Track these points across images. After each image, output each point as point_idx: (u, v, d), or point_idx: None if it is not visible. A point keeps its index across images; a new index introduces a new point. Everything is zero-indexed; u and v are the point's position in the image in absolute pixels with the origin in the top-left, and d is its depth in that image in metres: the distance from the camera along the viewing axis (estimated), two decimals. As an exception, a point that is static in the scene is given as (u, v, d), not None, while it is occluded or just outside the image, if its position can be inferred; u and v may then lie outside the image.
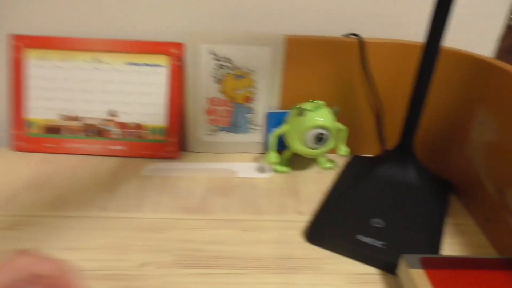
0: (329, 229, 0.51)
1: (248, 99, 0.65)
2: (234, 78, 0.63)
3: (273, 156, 0.61)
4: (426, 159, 0.65)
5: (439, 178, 0.62)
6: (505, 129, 0.50)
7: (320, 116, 0.58)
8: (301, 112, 0.58)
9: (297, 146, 0.60)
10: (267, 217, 0.55)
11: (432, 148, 0.68)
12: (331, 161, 0.67)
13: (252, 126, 0.67)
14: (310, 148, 0.59)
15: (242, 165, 0.66)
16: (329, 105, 0.61)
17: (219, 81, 0.63)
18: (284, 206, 0.57)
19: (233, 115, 0.65)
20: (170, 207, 0.56)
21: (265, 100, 0.65)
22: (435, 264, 0.43)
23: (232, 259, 0.47)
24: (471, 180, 0.57)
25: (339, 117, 0.66)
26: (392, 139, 0.69)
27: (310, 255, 0.49)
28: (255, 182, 0.62)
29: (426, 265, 0.43)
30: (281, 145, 0.66)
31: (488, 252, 0.50)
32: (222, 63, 0.62)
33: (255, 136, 0.68)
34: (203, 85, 0.64)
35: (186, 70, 0.63)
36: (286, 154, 0.65)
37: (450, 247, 0.51)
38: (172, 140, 0.66)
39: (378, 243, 0.48)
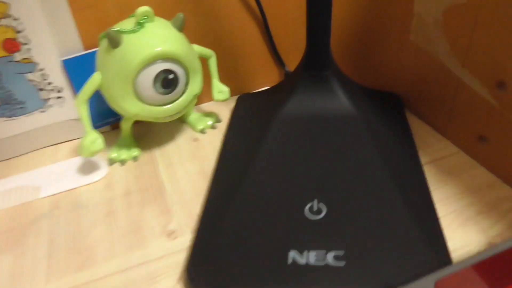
0: (233, 255, 0.24)
1: (11, 44, 0.32)
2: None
3: (91, 138, 0.31)
4: (351, 73, 0.41)
5: (384, 93, 0.39)
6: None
7: (153, 37, 0.29)
8: (116, 40, 0.29)
9: (130, 106, 0.30)
10: (104, 269, 0.27)
11: (356, 53, 0.44)
12: (208, 115, 0.40)
13: (48, 94, 0.35)
14: (155, 103, 0.31)
15: (50, 170, 0.35)
16: (166, 15, 0.33)
17: None
18: (138, 229, 0.29)
19: (-4, 83, 0.33)
20: None
21: (47, 38, 0.33)
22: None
23: None
24: (437, 84, 0.34)
25: (196, 36, 0.38)
26: (295, 56, 0.43)
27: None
28: (79, 196, 0.33)
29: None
30: (113, 112, 0.36)
31: (496, 185, 0.29)
32: None
33: (60, 110, 0.37)
34: None
35: None
36: (124, 126, 0.36)
37: (449, 212, 0.28)
38: None
39: (331, 259, 0.23)
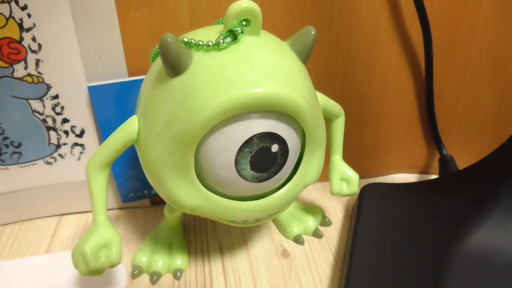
0: None
1: (10, 49, 0.19)
2: None
3: (98, 241, 0.16)
4: None
5: None
6: None
7: (252, 64, 0.14)
8: (178, 60, 0.14)
9: (184, 193, 0.15)
10: None
11: None
12: (310, 209, 0.23)
13: (61, 137, 0.22)
14: (233, 193, 0.16)
15: (38, 264, 0.21)
16: (282, 30, 0.18)
17: None
18: None
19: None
20: None
21: (71, 48, 0.20)
22: None
23: None
24: None
25: (315, 78, 0.23)
26: (460, 139, 0.26)
27: None
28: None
29: None
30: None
31: None
32: None
33: (75, 165, 0.23)
34: None
35: None
36: (168, 215, 0.21)
37: None
38: None
39: None
